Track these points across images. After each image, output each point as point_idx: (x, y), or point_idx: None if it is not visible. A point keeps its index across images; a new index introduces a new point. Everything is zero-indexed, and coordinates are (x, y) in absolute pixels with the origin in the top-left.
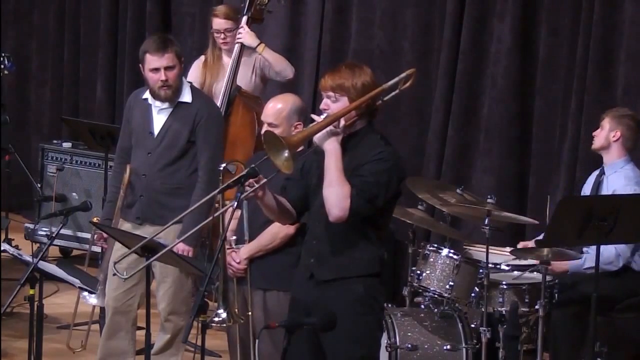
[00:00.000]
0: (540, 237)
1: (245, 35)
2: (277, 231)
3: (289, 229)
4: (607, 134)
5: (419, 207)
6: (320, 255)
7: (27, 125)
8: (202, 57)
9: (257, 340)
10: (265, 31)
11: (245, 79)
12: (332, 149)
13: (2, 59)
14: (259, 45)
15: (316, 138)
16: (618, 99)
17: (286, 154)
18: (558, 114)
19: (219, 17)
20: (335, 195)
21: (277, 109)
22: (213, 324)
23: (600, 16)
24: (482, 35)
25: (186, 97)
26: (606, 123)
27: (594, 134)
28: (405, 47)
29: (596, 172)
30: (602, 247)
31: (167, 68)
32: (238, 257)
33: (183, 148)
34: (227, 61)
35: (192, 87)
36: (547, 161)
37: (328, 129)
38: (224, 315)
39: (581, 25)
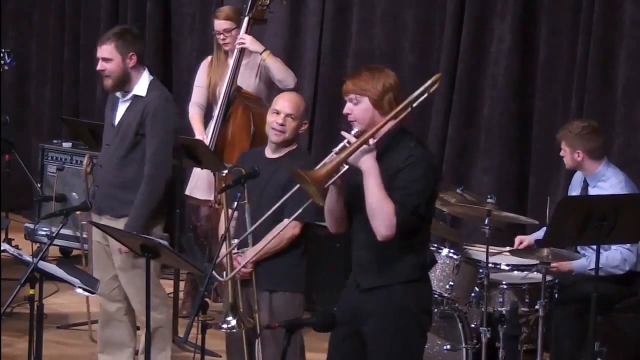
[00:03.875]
0: (537, 233)
1: (249, 42)
2: (282, 233)
3: (295, 230)
4: (570, 156)
5: None
6: (364, 263)
7: (27, 125)
8: (209, 58)
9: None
10: (265, 31)
11: (249, 82)
12: (369, 167)
13: (2, 54)
14: (264, 51)
15: (350, 159)
16: (618, 99)
17: (313, 189)
18: (558, 114)
19: (218, 17)
20: (381, 216)
21: (296, 103)
22: (222, 330)
23: (600, 16)
24: (482, 35)
25: (141, 90)
26: (565, 147)
27: (561, 154)
28: (405, 47)
29: (579, 177)
30: (607, 252)
31: (103, 59)
32: (244, 260)
33: (132, 141)
34: (231, 63)
35: (152, 82)
36: (547, 161)
37: (361, 148)
38: (233, 322)
39: (581, 25)
